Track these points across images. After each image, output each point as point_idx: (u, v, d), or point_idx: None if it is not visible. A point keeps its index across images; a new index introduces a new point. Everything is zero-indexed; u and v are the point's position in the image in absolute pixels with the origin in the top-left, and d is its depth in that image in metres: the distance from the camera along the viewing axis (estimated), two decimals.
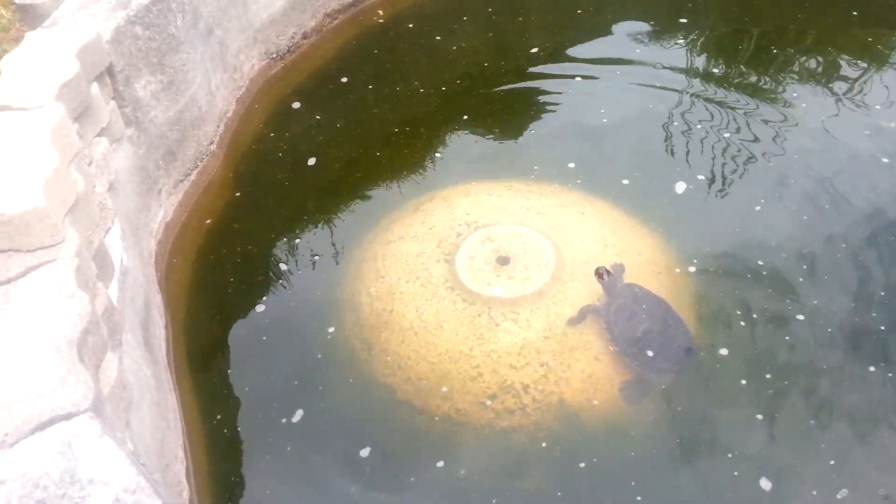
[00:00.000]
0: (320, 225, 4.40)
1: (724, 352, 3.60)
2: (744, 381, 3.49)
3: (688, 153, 4.67)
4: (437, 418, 3.46)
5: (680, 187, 4.39)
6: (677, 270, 3.96)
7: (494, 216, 4.22)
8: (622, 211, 4.30)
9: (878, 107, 4.81)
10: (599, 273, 3.79)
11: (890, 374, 3.46)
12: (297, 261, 4.17)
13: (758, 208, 4.23)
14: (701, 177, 4.44)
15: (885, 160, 4.41)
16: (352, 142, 4.88)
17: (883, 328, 3.62)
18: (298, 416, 3.45)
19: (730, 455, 3.24)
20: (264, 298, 3.95)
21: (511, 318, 3.75)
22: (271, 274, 4.10)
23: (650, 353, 3.55)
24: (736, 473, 3.18)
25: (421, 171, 4.67)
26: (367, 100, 5.10)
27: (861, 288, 3.80)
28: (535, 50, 5.40)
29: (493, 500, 3.17)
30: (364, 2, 5.86)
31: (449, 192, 4.46)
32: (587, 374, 3.59)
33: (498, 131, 4.90)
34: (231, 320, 3.89)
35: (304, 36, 5.28)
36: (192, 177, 4.35)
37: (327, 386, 3.59)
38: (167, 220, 4.13)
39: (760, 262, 3.95)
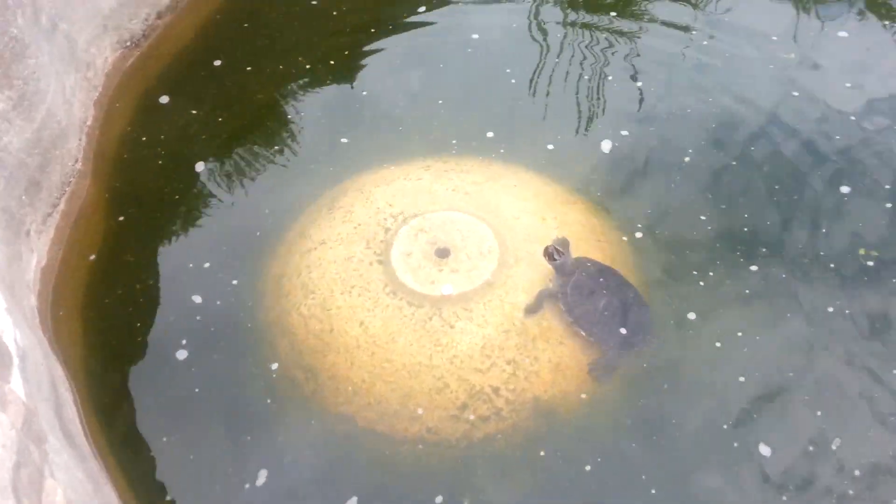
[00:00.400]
0: (226, 241, 3.80)
1: (691, 316, 3.50)
2: (718, 344, 3.42)
3: (604, 104, 4.47)
4: (420, 446, 3.15)
5: (606, 146, 4.19)
6: (624, 238, 3.79)
7: (420, 203, 3.84)
8: (552, 179, 4.06)
9: (775, 38, 4.80)
10: (550, 254, 3.55)
11: (847, 311, 3.51)
12: (210, 289, 3.58)
13: (687, 159, 4.12)
14: (624, 132, 4.26)
15: (795, 93, 4.42)
16: (240, 137, 4.25)
17: (832, 266, 3.65)
18: (263, 477, 3.00)
19: (724, 426, 3.19)
20: (184, 342, 3.37)
21: (465, 316, 3.45)
22: (184, 310, 3.49)
23: (623, 331, 3.39)
24: (736, 444, 3.13)
25: (326, 161, 4.15)
26: (247, 84, 4.44)
27: (804, 229, 3.80)
28: (422, 9, 4.93)
29: None
30: None
31: (363, 182, 4.01)
32: (555, 363, 3.40)
33: (403, 104, 4.45)
34: (148, 376, 3.29)
35: (159, 15, 4.47)
36: (62, 206, 3.60)
37: (287, 434, 3.14)
38: (42, 264, 3.40)
39: (703, 217, 3.86)
